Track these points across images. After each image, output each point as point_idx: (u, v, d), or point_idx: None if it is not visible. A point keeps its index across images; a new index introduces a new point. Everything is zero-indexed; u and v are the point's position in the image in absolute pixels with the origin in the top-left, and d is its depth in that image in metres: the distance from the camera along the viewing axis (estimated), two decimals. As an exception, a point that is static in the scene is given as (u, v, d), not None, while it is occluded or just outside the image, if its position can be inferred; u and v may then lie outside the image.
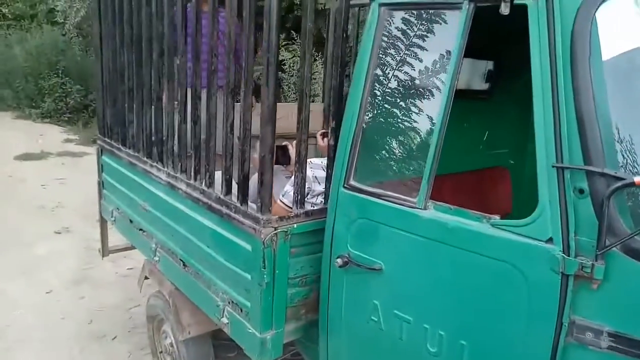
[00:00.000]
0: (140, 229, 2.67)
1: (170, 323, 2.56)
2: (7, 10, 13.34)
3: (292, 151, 2.18)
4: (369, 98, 1.57)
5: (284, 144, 2.30)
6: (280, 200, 2.00)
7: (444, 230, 1.37)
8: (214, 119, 1.94)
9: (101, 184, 3.22)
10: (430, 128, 1.42)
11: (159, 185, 2.40)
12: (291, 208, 1.94)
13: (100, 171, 3.21)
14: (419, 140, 1.47)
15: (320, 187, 1.94)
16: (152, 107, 2.44)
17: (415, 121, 1.48)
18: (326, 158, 1.97)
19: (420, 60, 1.47)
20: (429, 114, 1.43)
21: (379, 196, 1.53)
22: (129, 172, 2.73)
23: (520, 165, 2.72)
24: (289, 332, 1.87)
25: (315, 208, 1.87)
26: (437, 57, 1.43)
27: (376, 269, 1.53)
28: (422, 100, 1.45)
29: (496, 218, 1.29)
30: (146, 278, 2.82)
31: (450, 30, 1.37)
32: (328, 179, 1.86)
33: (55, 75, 10.65)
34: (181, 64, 2.12)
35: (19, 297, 3.75)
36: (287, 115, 2.33)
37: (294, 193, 1.81)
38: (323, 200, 1.91)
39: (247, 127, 1.74)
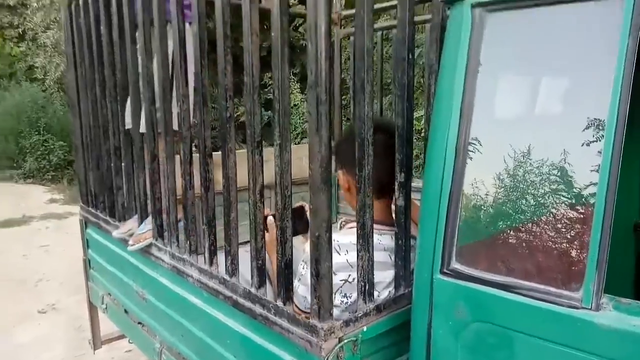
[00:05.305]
0: (139, 323, 2.10)
1: None
2: (-17, 71, 12.92)
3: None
4: (472, 135, 1.06)
5: (298, 204, 1.61)
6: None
7: (643, 347, 0.84)
8: (233, 183, 1.42)
9: (88, 263, 2.65)
10: (591, 173, 0.91)
11: (160, 269, 1.85)
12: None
13: (85, 247, 2.64)
14: (570, 195, 0.95)
15: (391, 271, 1.39)
16: (146, 168, 1.91)
17: (560, 163, 0.96)
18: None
19: (559, 73, 0.97)
20: (585, 151, 0.92)
21: (508, 288, 1.00)
22: (121, 251, 2.17)
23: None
24: None
25: (386, 298, 1.33)
26: (588, 65, 0.93)
27: (516, 403, 0.98)
28: (572, 130, 0.94)
29: None
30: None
31: (610, 24, 0.88)
32: (399, 254, 1.33)
33: (37, 133, 10.18)
34: (182, 111, 1.60)
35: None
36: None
37: (358, 281, 1.27)
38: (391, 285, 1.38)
39: (287, 194, 1.22)
